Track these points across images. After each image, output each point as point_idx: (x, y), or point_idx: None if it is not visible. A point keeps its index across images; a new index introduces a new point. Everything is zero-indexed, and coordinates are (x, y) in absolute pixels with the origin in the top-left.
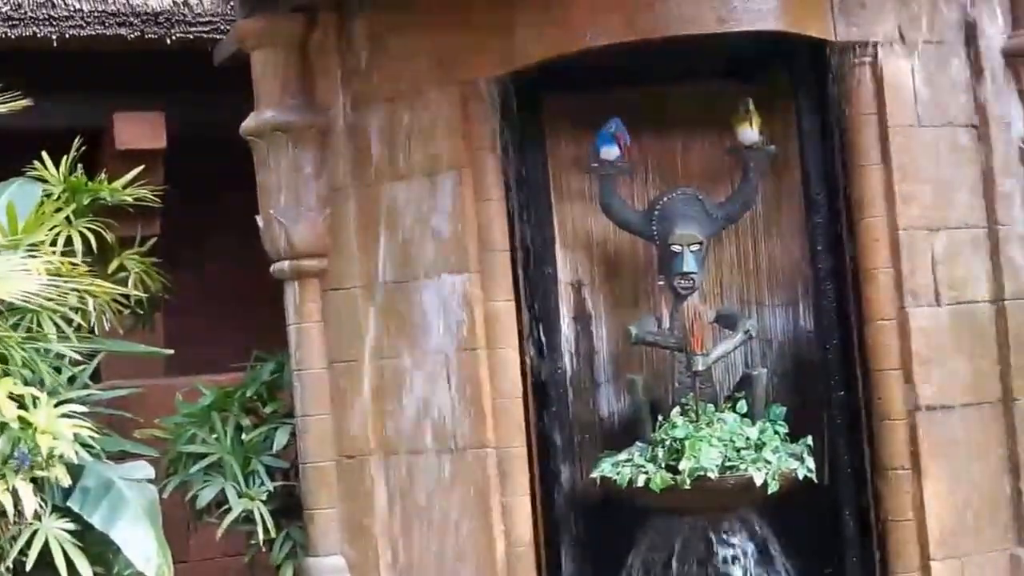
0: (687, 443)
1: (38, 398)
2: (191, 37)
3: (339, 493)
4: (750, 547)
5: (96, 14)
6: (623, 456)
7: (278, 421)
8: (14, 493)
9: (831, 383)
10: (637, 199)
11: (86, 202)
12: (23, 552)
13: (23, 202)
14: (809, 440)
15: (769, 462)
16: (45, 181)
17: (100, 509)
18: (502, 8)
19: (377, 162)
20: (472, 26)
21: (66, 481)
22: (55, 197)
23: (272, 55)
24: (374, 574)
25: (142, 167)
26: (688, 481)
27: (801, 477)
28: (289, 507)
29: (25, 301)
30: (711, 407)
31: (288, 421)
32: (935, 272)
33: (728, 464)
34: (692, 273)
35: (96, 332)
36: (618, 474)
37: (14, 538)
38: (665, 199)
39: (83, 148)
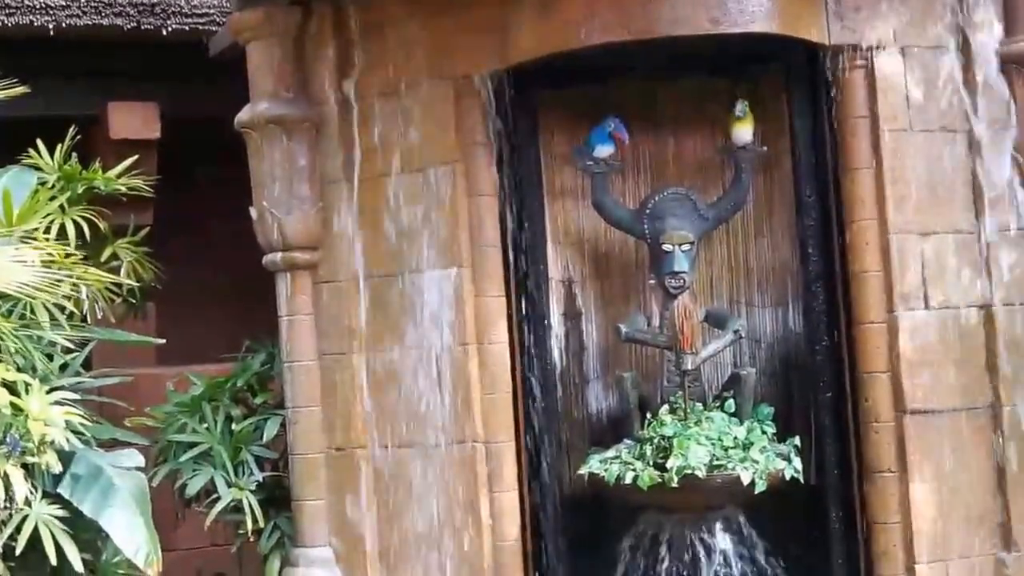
0: (675, 441)
1: (30, 385)
2: (187, 28)
3: (327, 485)
4: (737, 546)
5: (93, 4)
6: (611, 453)
7: (268, 412)
8: (5, 478)
9: (819, 384)
10: (629, 197)
11: (80, 191)
12: (12, 537)
13: (18, 190)
14: (796, 441)
15: (756, 462)
16: (40, 169)
17: (90, 496)
18: (498, 4)
19: (370, 155)
20: (467, 21)
21: (57, 468)
22: (49, 185)
23: (267, 47)
24: (361, 566)
25: (136, 156)
26: (676, 479)
27: (788, 477)
28: (277, 498)
29: (18, 289)
30: (699, 406)
31: (278, 412)
32: (925, 276)
33: (716, 463)
34: (682, 272)
35: (88, 320)
36: (606, 471)
37: (4, 523)
38: (657, 198)
39: (78, 137)
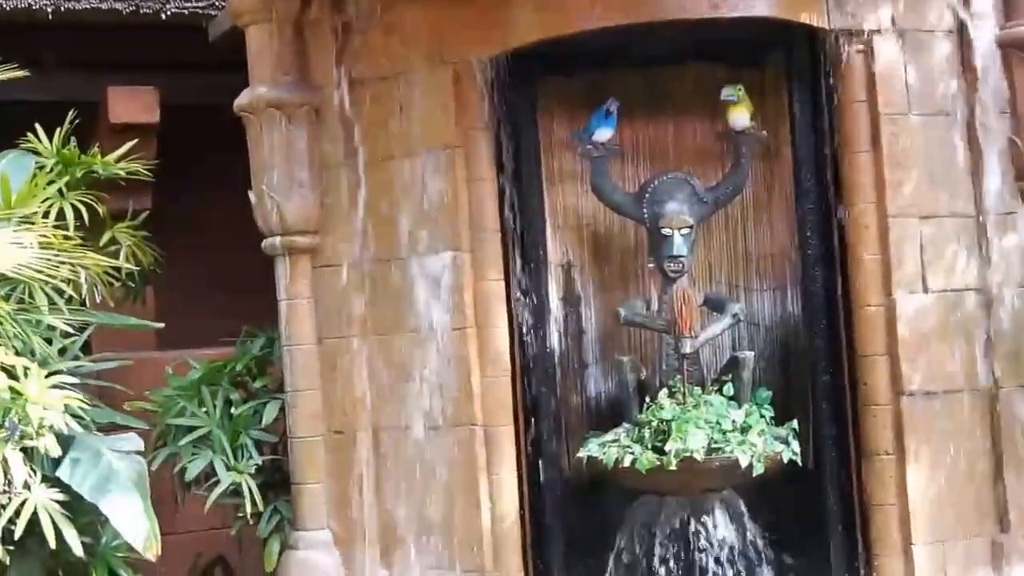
0: (674, 425)
1: (29, 369)
2: (186, 12)
3: (327, 468)
4: (734, 529)
5: None
6: (610, 436)
7: (267, 396)
8: (4, 462)
9: (817, 368)
10: (629, 181)
11: (79, 175)
12: (12, 521)
13: (16, 174)
14: (795, 424)
15: (755, 445)
16: (38, 153)
17: (89, 480)
18: None
19: (369, 140)
20: (467, 5)
21: (56, 451)
22: (48, 169)
23: (267, 31)
24: (360, 549)
25: (135, 141)
26: (674, 462)
27: (786, 460)
28: (277, 481)
29: (17, 272)
30: (698, 389)
31: (277, 396)
32: (923, 259)
33: (714, 446)
34: (681, 256)
35: (87, 304)
36: (604, 454)
37: (3, 507)
38: (656, 182)
39: (77, 121)
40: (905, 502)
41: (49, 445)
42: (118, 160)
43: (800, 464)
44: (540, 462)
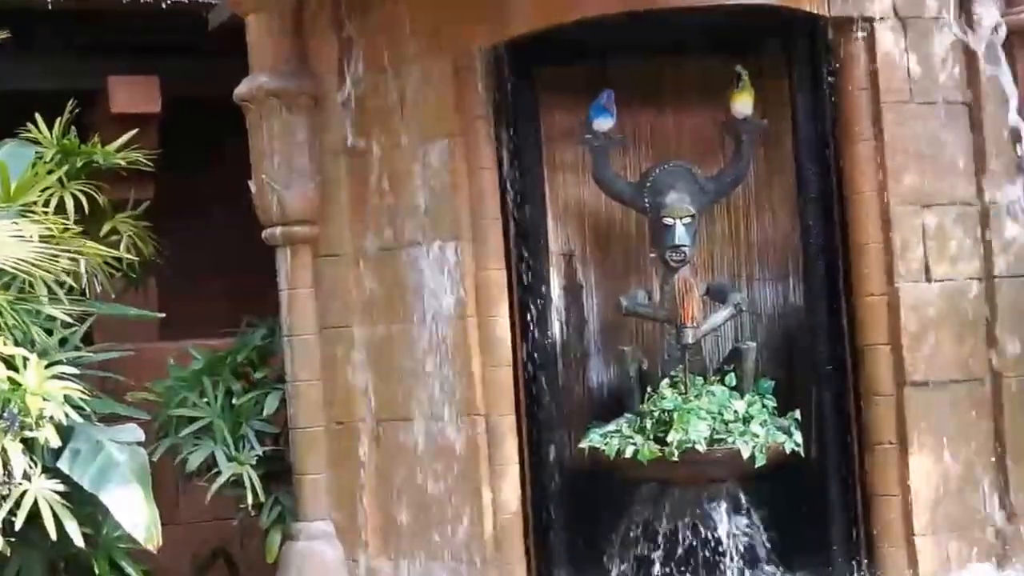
0: (676, 415)
1: (28, 359)
2: (186, 1)
3: (328, 459)
4: (736, 519)
5: None
6: (611, 427)
7: (268, 386)
8: (3, 453)
9: (820, 357)
10: (630, 171)
11: (79, 165)
12: (12, 512)
13: (15, 164)
14: (797, 414)
15: (757, 435)
16: (38, 143)
17: (90, 471)
18: None
19: (369, 129)
20: None
21: (56, 442)
22: (48, 159)
23: (267, 20)
24: (362, 539)
25: (136, 131)
26: (676, 453)
27: (788, 451)
28: (278, 472)
29: (16, 262)
30: (700, 379)
31: (278, 386)
32: (925, 248)
33: (716, 437)
34: (683, 246)
35: (88, 295)
36: (606, 445)
37: (3, 498)
38: (657, 171)
39: (77, 111)
40: (907, 492)
41: (49, 436)
42: (119, 150)
43: (802, 454)
44: (542, 452)
